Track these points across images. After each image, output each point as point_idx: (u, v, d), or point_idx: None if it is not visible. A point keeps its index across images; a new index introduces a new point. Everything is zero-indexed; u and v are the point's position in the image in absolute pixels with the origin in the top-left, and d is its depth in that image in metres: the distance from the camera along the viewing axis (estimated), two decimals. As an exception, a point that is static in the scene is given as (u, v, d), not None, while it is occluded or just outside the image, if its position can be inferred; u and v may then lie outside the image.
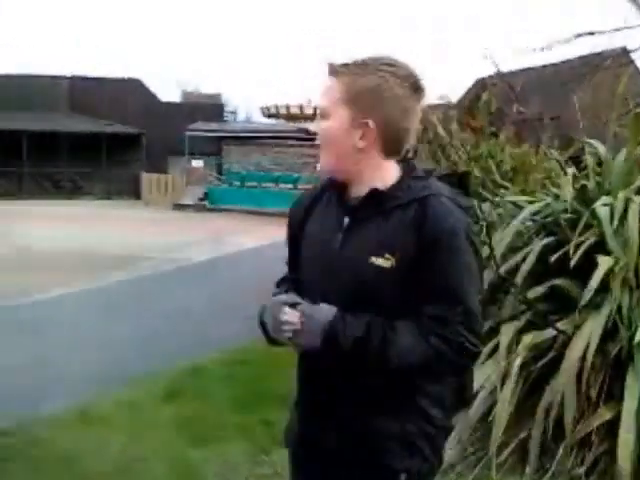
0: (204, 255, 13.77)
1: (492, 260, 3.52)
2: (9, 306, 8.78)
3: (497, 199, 4.29)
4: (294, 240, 1.78)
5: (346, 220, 1.63)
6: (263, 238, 16.19)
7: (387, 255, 1.54)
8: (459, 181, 1.75)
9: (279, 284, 1.82)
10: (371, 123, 1.58)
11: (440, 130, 4.45)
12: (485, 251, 3.62)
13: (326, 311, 1.55)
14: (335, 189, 1.69)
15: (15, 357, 6.43)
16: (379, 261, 1.54)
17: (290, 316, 1.56)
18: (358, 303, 1.57)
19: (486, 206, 4.08)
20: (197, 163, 28.48)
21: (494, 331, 3.39)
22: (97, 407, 5.01)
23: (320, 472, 1.72)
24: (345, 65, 1.60)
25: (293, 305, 1.57)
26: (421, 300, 1.54)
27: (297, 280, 1.75)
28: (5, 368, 6.11)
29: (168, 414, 4.82)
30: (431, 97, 5.12)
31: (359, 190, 1.63)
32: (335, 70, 1.61)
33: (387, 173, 1.63)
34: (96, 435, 4.49)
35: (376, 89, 1.57)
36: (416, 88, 1.60)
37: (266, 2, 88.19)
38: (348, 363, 1.56)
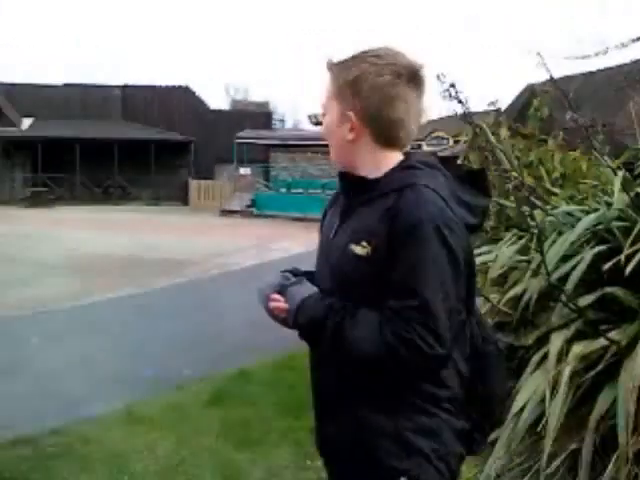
0: (251, 260, 13.86)
1: (543, 268, 3.45)
2: (59, 309, 9.00)
3: (548, 207, 4.22)
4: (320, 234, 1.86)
5: (342, 210, 1.71)
6: (308, 244, 16.27)
7: (363, 243, 1.55)
8: (473, 178, 1.73)
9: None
10: (352, 115, 1.61)
11: (490, 136, 4.40)
12: (536, 259, 3.56)
13: (305, 290, 1.65)
14: (341, 182, 1.75)
15: (66, 359, 6.58)
16: (357, 249, 1.56)
17: (275, 301, 1.67)
18: (342, 289, 1.60)
19: (537, 213, 4.02)
20: (245, 170, 28.73)
21: (543, 340, 3.33)
22: (145, 409, 5.09)
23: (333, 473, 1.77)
24: (338, 61, 1.64)
25: (283, 287, 1.69)
26: (387, 292, 1.52)
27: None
28: (56, 369, 6.27)
29: (214, 418, 4.86)
30: (481, 104, 5.07)
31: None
32: (329, 66, 1.66)
33: (383, 163, 1.64)
34: (143, 436, 4.56)
35: (355, 80, 1.60)
36: (402, 75, 1.58)
37: (313, 12, 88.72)
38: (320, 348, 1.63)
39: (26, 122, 31.89)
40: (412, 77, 1.60)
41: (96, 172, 30.84)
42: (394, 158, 1.65)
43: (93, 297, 9.78)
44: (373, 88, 1.58)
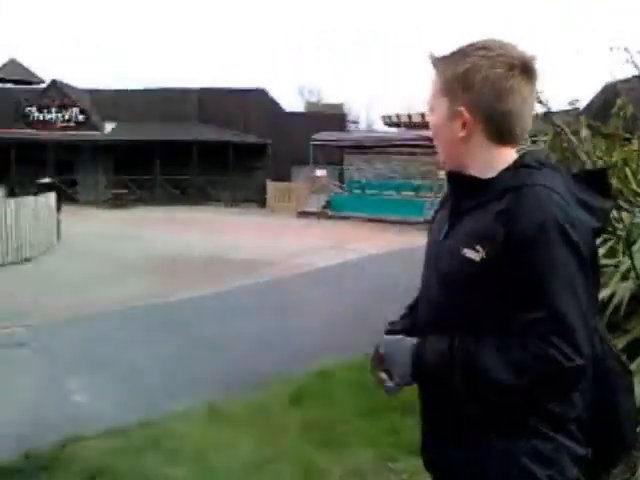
0: (328, 261, 13.94)
1: (633, 271, 3.35)
2: (142, 307, 9.28)
3: (636, 209, 4.08)
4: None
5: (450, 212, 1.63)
6: (384, 245, 16.23)
7: (477, 247, 1.44)
8: (592, 179, 1.60)
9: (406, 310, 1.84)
10: (464, 111, 1.51)
11: (570, 136, 4.28)
12: (625, 263, 3.46)
13: (407, 341, 1.56)
14: (451, 182, 1.65)
15: (149, 355, 6.79)
16: (470, 253, 1.45)
17: (382, 374, 1.60)
18: (451, 295, 1.51)
19: (624, 216, 3.90)
20: (320, 172, 28.88)
21: (634, 345, 3.22)
22: (227, 407, 5.18)
23: None
24: (443, 56, 1.56)
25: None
26: (508, 303, 1.40)
27: None
28: (141, 365, 6.48)
29: (295, 417, 4.91)
30: (560, 102, 4.94)
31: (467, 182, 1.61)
32: (434, 62, 1.58)
33: (497, 162, 1.53)
34: (225, 434, 4.65)
35: (465, 74, 1.50)
36: (515, 67, 1.48)
37: (388, 12, 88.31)
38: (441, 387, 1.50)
39: (108, 126, 33.03)
40: (525, 69, 1.50)
41: (175, 174, 31.63)
42: (508, 156, 1.54)
43: (174, 296, 10.03)
44: (486, 81, 1.48)
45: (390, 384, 1.56)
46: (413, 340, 1.54)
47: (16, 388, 5.78)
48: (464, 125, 1.53)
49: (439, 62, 1.57)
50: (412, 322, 1.71)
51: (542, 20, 73.82)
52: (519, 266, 1.39)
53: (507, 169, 1.52)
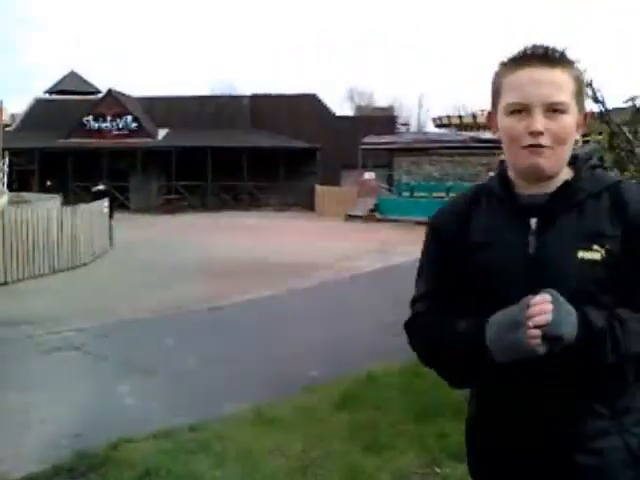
0: (376, 264, 13.90)
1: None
2: (193, 311, 9.41)
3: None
4: (443, 252, 1.63)
5: (533, 221, 1.50)
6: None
7: (595, 247, 1.43)
8: None
9: (420, 300, 1.66)
10: (588, 114, 1.56)
11: (629, 135, 4.17)
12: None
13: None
14: (504, 191, 1.57)
15: (199, 358, 6.88)
16: (588, 255, 1.43)
17: (540, 305, 1.36)
18: (573, 305, 1.39)
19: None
20: (369, 175, 28.84)
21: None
22: (274, 410, 5.20)
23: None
24: (564, 55, 1.50)
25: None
26: (635, 289, 1.43)
27: (446, 294, 1.60)
28: (190, 368, 6.56)
29: (342, 421, 4.90)
30: (617, 100, 4.82)
31: (544, 187, 1.51)
32: (562, 60, 1.49)
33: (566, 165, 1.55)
34: (273, 437, 4.66)
35: (582, 80, 1.54)
36: None
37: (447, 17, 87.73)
38: (589, 357, 1.41)
39: (161, 133, 33.67)
40: None
41: (226, 179, 32.03)
42: None
43: (227, 300, 10.14)
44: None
45: (541, 346, 1.35)
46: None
47: (70, 390, 5.92)
48: (578, 129, 1.53)
49: (569, 63, 1.50)
50: None
51: (542, 20, 72.38)
52: None
53: (582, 170, 1.54)
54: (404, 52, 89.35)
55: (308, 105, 34.26)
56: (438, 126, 36.71)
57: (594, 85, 3.92)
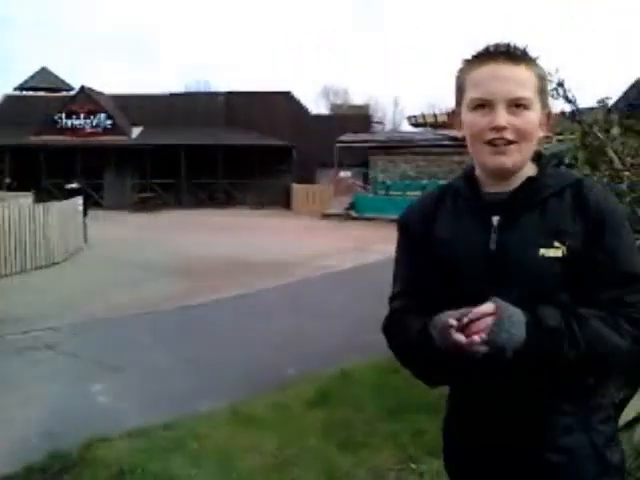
0: (351, 262, 13.92)
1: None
2: (168, 310, 9.35)
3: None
4: (414, 248, 1.65)
5: (495, 218, 1.51)
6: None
7: (556, 244, 1.44)
8: None
9: (396, 298, 1.67)
10: (552, 113, 1.56)
11: (600, 134, 4.22)
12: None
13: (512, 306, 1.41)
14: (469, 189, 1.59)
15: (174, 357, 6.85)
16: (550, 252, 1.44)
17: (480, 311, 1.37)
18: (532, 302, 1.42)
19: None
20: (345, 173, 28.87)
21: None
22: (250, 408, 5.20)
23: None
24: (525, 52, 1.51)
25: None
26: (594, 286, 1.44)
27: (420, 291, 1.61)
28: (165, 367, 6.53)
29: (318, 418, 4.91)
30: (589, 100, 4.88)
31: (508, 184, 1.53)
32: (524, 57, 1.50)
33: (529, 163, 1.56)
34: (249, 435, 4.67)
35: (545, 77, 1.55)
36: None
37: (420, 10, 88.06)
38: (540, 363, 1.41)
39: (135, 131, 33.39)
40: None
41: (201, 177, 31.86)
42: None
43: (199, 298, 10.09)
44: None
45: (483, 347, 1.35)
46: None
47: (43, 389, 5.85)
48: (542, 126, 1.54)
49: (532, 60, 1.52)
50: None
51: (542, 19, 73.18)
52: (605, 250, 1.44)
53: (545, 167, 1.55)
54: (379, 50, 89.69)
55: (283, 103, 34.18)
56: (413, 125, 36.79)
57: (565, 85, 3.96)
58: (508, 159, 1.48)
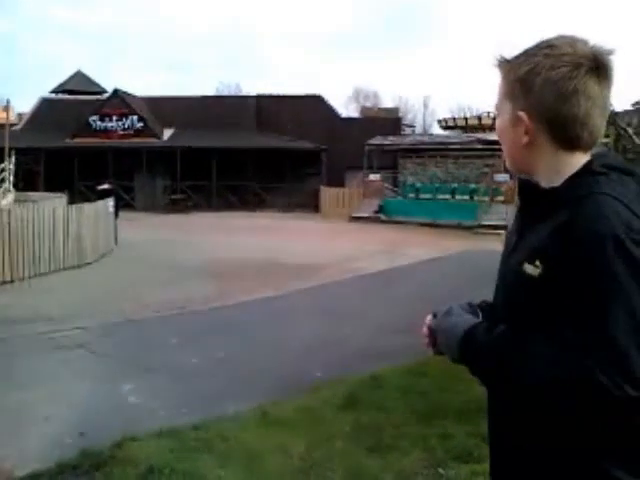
0: (380, 265, 13.88)
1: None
2: (198, 311, 9.42)
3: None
4: None
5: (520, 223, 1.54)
6: (438, 250, 16.06)
7: (537, 262, 1.33)
8: None
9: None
10: (523, 115, 1.41)
11: (634, 137, 4.16)
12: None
13: (467, 321, 1.46)
14: (519, 192, 1.54)
15: (203, 358, 6.88)
16: (529, 269, 1.34)
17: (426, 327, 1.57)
18: (511, 314, 1.40)
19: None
20: (374, 176, 28.85)
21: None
22: (278, 410, 5.20)
23: None
24: (509, 57, 1.47)
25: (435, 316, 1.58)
26: (559, 319, 1.27)
27: None
28: (194, 368, 6.57)
29: (346, 422, 4.90)
30: (624, 103, 4.82)
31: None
32: (499, 63, 1.48)
33: (565, 168, 1.41)
34: (278, 437, 4.67)
35: (525, 77, 1.41)
36: (582, 66, 1.36)
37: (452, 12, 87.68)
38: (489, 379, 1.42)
39: (167, 133, 33.72)
40: (595, 67, 1.37)
41: (232, 180, 32.05)
42: (578, 162, 1.41)
43: (230, 299, 10.15)
44: (546, 83, 1.38)
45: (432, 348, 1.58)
46: (473, 320, 1.48)
47: (75, 388, 5.93)
48: (526, 131, 1.43)
49: (504, 64, 1.47)
50: None
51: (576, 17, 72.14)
52: (573, 282, 1.25)
53: (574, 176, 1.40)
54: (410, 52, 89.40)
55: (313, 106, 34.25)
56: (443, 128, 36.72)
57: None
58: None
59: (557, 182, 1.41)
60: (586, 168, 1.40)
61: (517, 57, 1.44)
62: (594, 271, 1.23)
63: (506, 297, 1.46)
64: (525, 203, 1.51)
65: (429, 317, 1.56)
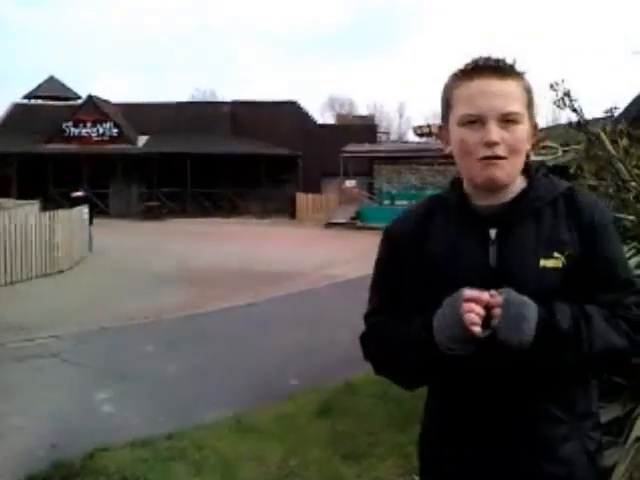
0: (356, 272, 13.87)
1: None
2: (172, 319, 9.34)
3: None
4: (401, 263, 1.59)
5: (492, 232, 1.49)
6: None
7: (556, 254, 1.45)
8: None
9: (374, 314, 1.65)
10: (537, 125, 1.54)
11: (608, 145, 4.20)
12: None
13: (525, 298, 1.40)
14: (460, 202, 1.55)
15: (178, 367, 6.82)
16: (550, 262, 1.44)
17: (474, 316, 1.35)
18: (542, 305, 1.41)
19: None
20: (350, 183, 28.92)
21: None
22: (254, 418, 5.17)
23: None
24: (513, 66, 1.50)
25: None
26: (592, 291, 1.46)
27: (403, 309, 1.55)
28: (169, 376, 6.51)
29: (322, 429, 4.89)
30: (595, 111, 4.87)
31: (499, 197, 1.50)
32: (512, 71, 1.49)
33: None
34: (253, 445, 4.65)
35: (532, 90, 1.53)
36: None
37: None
38: (551, 360, 1.40)
39: (142, 139, 33.52)
40: None
41: (207, 186, 31.94)
42: None
43: (204, 307, 10.09)
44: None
45: (483, 331, 1.35)
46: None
47: (46, 398, 5.84)
48: (533, 143, 1.54)
49: (519, 74, 1.50)
50: None
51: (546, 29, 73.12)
52: (599, 257, 1.47)
53: (536, 178, 1.54)
54: (384, 60, 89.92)
55: (289, 112, 34.31)
56: (419, 135, 36.88)
57: (571, 95, 3.95)
58: (501, 172, 1.46)
59: (520, 187, 1.53)
60: (536, 170, 1.56)
61: (517, 69, 1.51)
62: (615, 244, 1.53)
63: (530, 293, 1.41)
64: (508, 209, 1.51)
65: (490, 293, 1.37)
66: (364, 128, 36.23)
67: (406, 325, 1.50)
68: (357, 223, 25.82)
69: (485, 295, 1.36)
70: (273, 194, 31.99)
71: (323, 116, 52.45)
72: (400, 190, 27.92)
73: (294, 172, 33.10)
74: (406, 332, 1.50)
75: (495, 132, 1.44)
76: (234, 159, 31.81)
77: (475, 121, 1.46)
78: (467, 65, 1.49)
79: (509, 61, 1.49)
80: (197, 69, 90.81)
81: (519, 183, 1.53)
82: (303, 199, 29.90)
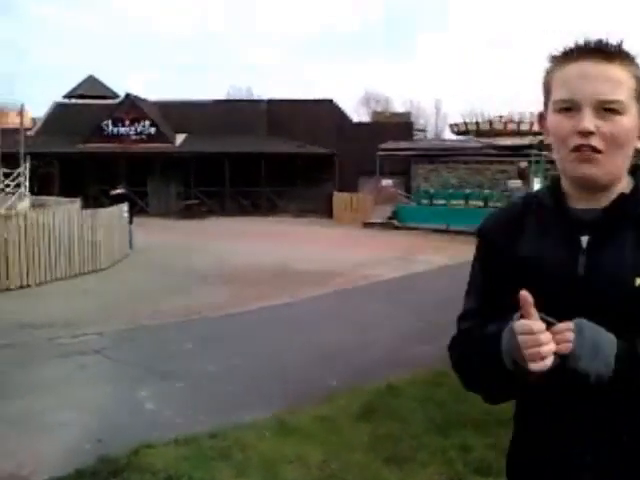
0: (394, 272, 13.84)
1: None
2: (211, 317, 9.43)
3: None
4: (494, 263, 1.47)
5: (584, 238, 1.35)
6: (452, 256, 16.00)
7: None
8: None
9: (466, 317, 1.53)
10: None
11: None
12: None
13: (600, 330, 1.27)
14: (555, 203, 1.41)
15: (218, 365, 6.88)
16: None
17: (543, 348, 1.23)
18: (617, 333, 1.26)
19: None
20: (386, 182, 28.78)
21: None
22: (295, 419, 5.18)
23: None
24: (621, 48, 1.33)
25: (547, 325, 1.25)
26: None
27: (497, 310, 1.41)
28: (210, 375, 6.58)
29: (364, 432, 4.87)
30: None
31: (599, 199, 1.36)
32: (619, 54, 1.33)
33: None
34: (294, 446, 4.65)
35: None
36: None
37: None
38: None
39: (179, 138, 33.82)
40: None
41: (244, 185, 32.11)
42: None
43: (242, 306, 10.15)
44: None
45: (548, 362, 1.22)
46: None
47: (91, 394, 5.95)
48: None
49: (628, 58, 1.34)
50: None
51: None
52: None
53: (638, 180, 1.39)
54: (421, 56, 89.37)
55: (325, 111, 34.23)
56: (456, 133, 36.62)
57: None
58: (597, 169, 1.31)
59: (625, 190, 1.37)
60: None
61: (630, 54, 1.36)
62: None
63: (612, 317, 1.29)
64: (608, 214, 1.37)
65: (569, 324, 1.24)
66: (400, 126, 35.93)
67: (486, 335, 1.40)
68: (394, 223, 25.68)
69: (538, 324, 1.23)
70: (310, 193, 31.97)
71: (358, 113, 52.20)
72: (438, 189, 27.67)
73: (331, 171, 33.06)
74: (481, 341, 1.40)
75: (589, 120, 1.29)
76: (271, 158, 31.91)
77: (571, 108, 1.32)
78: (567, 46, 1.36)
79: (616, 42, 1.33)
80: (234, 68, 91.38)
81: (624, 185, 1.38)
82: (340, 198, 29.85)
